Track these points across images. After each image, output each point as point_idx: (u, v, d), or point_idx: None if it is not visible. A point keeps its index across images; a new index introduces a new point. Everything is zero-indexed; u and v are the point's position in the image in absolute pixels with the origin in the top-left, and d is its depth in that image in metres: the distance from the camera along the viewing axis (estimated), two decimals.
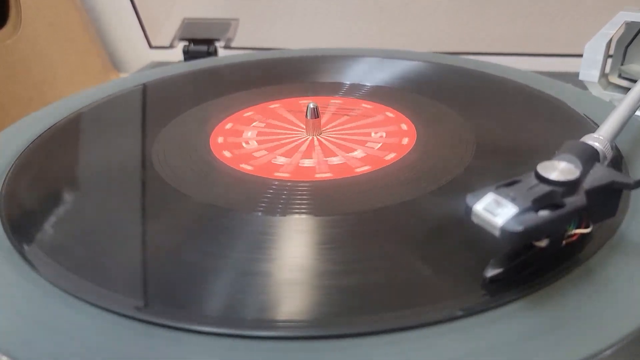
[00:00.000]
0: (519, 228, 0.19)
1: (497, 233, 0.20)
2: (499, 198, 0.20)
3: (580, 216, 0.22)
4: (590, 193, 0.21)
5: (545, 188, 0.21)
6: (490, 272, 0.21)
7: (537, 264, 0.22)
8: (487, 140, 0.34)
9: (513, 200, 0.20)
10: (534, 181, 0.21)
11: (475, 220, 0.21)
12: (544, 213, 0.20)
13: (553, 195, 0.20)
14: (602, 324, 0.20)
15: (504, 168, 0.31)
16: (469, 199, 0.21)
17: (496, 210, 0.20)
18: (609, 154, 0.25)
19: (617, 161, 0.30)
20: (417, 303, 0.21)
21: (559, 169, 0.21)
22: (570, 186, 0.21)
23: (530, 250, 0.22)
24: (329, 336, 0.20)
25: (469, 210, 0.21)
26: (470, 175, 0.30)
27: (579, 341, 0.19)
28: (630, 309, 0.20)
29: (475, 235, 0.21)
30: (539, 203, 0.20)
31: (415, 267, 0.23)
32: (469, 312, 0.20)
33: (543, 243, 0.21)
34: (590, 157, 0.23)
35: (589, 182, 0.21)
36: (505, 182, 0.21)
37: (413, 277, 0.23)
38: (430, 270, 0.23)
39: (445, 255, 0.24)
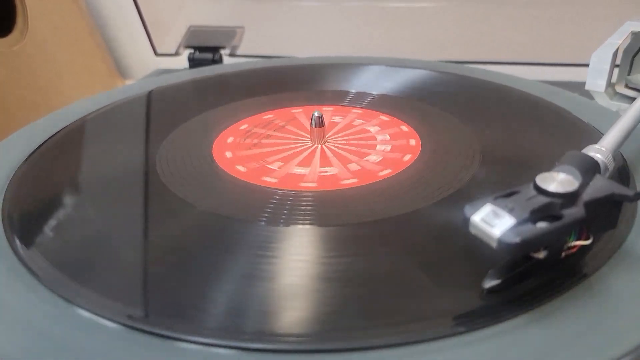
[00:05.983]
0: (516, 239, 0.19)
1: (494, 244, 0.20)
2: (497, 209, 0.20)
3: (580, 228, 0.21)
4: (589, 205, 0.21)
5: (544, 199, 0.20)
6: (488, 283, 0.21)
7: (536, 275, 0.22)
8: (493, 150, 0.34)
9: (511, 211, 0.20)
10: (533, 192, 0.21)
11: (473, 231, 0.21)
12: (542, 224, 0.20)
13: (551, 207, 0.20)
14: (605, 341, 0.19)
15: (510, 178, 0.31)
16: (466, 209, 0.21)
17: (494, 221, 0.20)
18: (611, 165, 0.25)
19: (624, 172, 0.30)
20: (419, 318, 0.21)
21: (558, 180, 0.21)
22: (569, 198, 0.21)
23: (528, 261, 0.21)
24: (330, 350, 0.20)
25: (466, 221, 0.21)
26: (475, 185, 0.30)
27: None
28: (634, 326, 0.20)
29: (482, 247, 0.21)
30: (537, 214, 0.20)
31: (420, 280, 0.23)
32: (469, 328, 0.20)
33: (541, 254, 0.21)
34: (590, 168, 0.23)
35: (588, 194, 0.21)
36: (504, 193, 0.21)
37: (417, 290, 0.23)
38: (434, 284, 0.23)
39: (450, 268, 0.24)
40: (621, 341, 0.19)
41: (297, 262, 0.25)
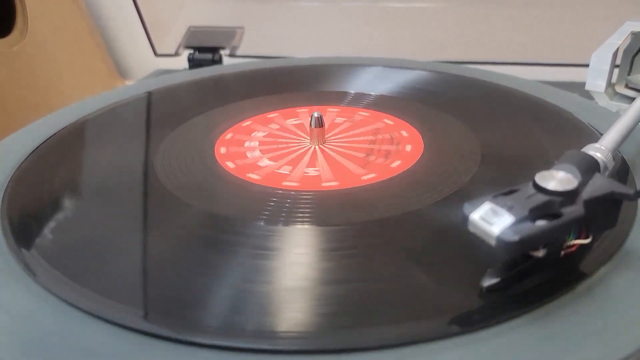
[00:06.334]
0: (514, 237, 0.19)
1: (493, 242, 0.20)
2: (496, 207, 0.20)
3: (580, 227, 0.21)
4: (588, 203, 0.20)
5: (543, 198, 0.20)
6: (487, 282, 0.21)
7: (535, 274, 0.22)
8: (493, 150, 0.34)
9: (510, 209, 0.20)
10: (532, 190, 0.21)
11: (471, 229, 0.21)
12: (541, 223, 0.20)
13: (550, 205, 0.20)
14: (606, 342, 0.19)
15: (510, 178, 0.31)
16: (466, 207, 0.21)
17: (493, 220, 0.20)
18: (610, 164, 0.25)
19: (623, 171, 0.30)
20: (418, 318, 0.21)
21: (557, 179, 0.21)
22: (568, 196, 0.20)
23: (528, 260, 0.21)
24: (329, 350, 0.19)
25: (465, 219, 0.21)
26: (475, 185, 0.30)
27: None
28: (635, 327, 0.20)
29: (481, 246, 0.21)
30: (536, 213, 0.20)
31: (419, 280, 0.23)
32: (468, 328, 0.20)
33: (540, 253, 0.21)
34: (590, 167, 0.23)
35: (587, 192, 0.21)
36: (503, 191, 0.21)
37: (416, 290, 0.22)
38: (433, 284, 0.23)
39: (449, 267, 0.24)
40: (622, 342, 0.19)
41: (296, 262, 0.25)
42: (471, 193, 0.29)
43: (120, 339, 0.20)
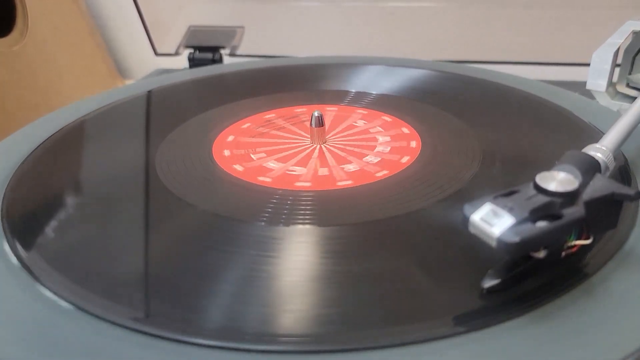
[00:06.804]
0: (515, 239, 0.19)
1: (493, 244, 0.19)
2: (497, 208, 0.20)
3: (581, 227, 0.21)
4: (589, 204, 0.20)
5: (544, 199, 0.20)
6: (488, 283, 0.21)
7: (536, 275, 0.22)
8: (494, 150, 0.34)
9: (510, 210, 0.20)
10: (533, 191, 0.21)
11: (472, 230, 0.21)
12: (541, 224, 0.20)
13: (551, 206, 0.20)
14: (606, 342, 0.19)
15: (511, 177, 0.31)
16: (466, 208, 0.21)
17: (493, 221, 0.20)
18: (612, 165, 0.25)
19: (625, 171, 0.30)
20: (418, 318, 0.21)
21: (558, 180, 0.21)
22: (569, 197, 0.20)
23: (528, 261, 0.21)
24: (329, 351, 0.19)
25: (466, 221, 0.21)
26: (476, 184, 0.30)
27: None
28: (636, 328, 0.20)
29: (482, 247, 0.21)
30: (537, 214, 0.20)
31: (420, 281, 0.23)
32: (469, 329, 0.20)
33: (541, 254, 0.21)
34: (590, 167, 0.23)
35: (588, 193, 0.21)
36: (504, 192, 0.21)
37: (416, 290, 0.22)
38: (434, 284, 0.23)
39: (449, 268, 0.24)
40: (622, 342, 0.19)
41: (297, 262, 0.25)
42: (471, 193, 0.29)
43: (120, 339, 0.20)
